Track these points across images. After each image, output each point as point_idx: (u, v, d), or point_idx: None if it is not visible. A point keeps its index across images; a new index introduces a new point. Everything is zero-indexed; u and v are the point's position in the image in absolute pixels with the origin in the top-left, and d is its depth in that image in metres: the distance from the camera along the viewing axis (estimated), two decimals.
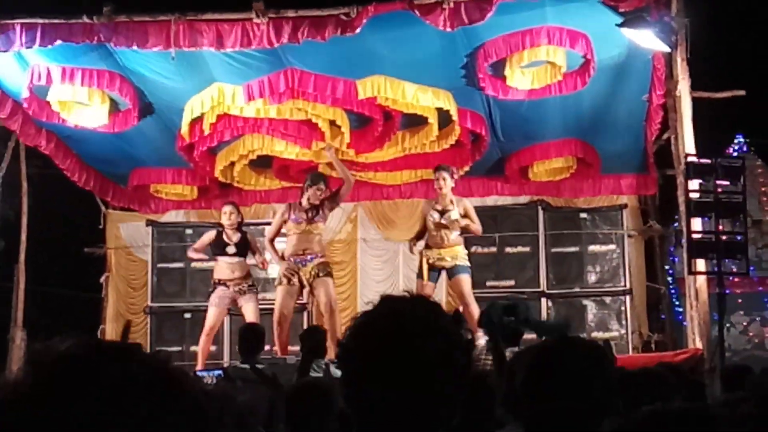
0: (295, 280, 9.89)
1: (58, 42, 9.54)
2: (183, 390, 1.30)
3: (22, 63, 10.26)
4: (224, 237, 10.52)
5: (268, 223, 12.68)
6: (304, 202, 9.95)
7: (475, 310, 9.21)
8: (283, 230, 10.16)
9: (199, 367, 9.92)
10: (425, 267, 10.04)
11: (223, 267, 10.47)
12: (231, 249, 10.45)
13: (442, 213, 9.94)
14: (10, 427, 1.22)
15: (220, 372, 8.49)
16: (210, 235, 10.70)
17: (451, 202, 10.01)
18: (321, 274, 9.88)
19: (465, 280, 9.96)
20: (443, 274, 10.12)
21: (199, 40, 9.48)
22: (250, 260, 10.73)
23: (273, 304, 12.29)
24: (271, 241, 10.27)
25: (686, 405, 1.64)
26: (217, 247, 10.54)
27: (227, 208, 10.65)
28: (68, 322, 13.85)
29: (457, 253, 10.00)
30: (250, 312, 10.32)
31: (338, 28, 9.19)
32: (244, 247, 10.54)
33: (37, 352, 1.27)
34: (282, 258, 10.00)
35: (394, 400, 1.76)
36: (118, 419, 1.21)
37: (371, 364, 1.78)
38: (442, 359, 1.77)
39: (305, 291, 10.15)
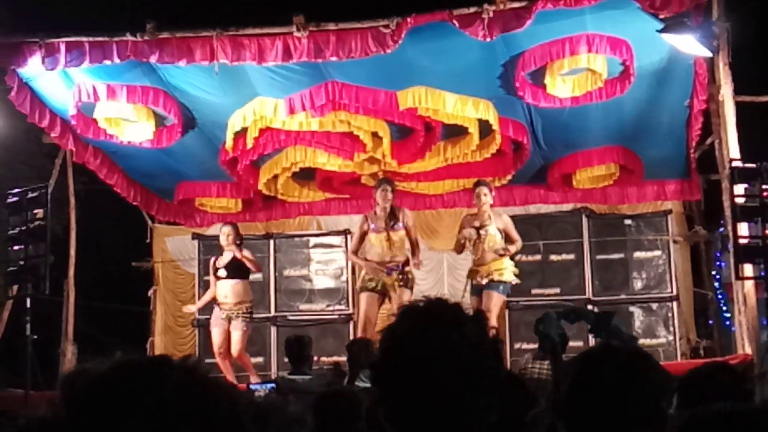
0: (379, 286, 9.73)
1: (106, 62, 9.67)
2: (218, 404, 1.32)
3: (68, 81, 10.40)
4: (216, 261, 10.54)
5: (312, 235, 12.85)
6: (378, 210, 9.87)
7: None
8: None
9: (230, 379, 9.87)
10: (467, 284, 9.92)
11: (219, 289, 10.44)
12: (222, 272, 10.41)
13: (479, 229, 9.82)
14: None
15: (272, 385, 8.55)
16: (211, 262, 10.72)
17: (489, 217, 9.89)
18: (401, 284, 9.70)
19: (492, 296, 9.74)
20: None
21: (241, 55, 9.52)
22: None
23: (319, 314, 12.50)
24: (355, 252, 10.08)
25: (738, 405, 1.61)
26: (214, 272, 10.55)
27: (225, 229, 10.59)
28: (118, 335, 14.00)
29: (491, 270, 9.79)
30: (234, 340, 10.31)
31: (378, 44, 9.23)
32: (235, 268, 10.40)
33: (70, 377, 1.31)
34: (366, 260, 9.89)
35: (428, 412, 1.78)
36: None
37: (402, 382, 1.80)
38: (470, 367, 1.80)
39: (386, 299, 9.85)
